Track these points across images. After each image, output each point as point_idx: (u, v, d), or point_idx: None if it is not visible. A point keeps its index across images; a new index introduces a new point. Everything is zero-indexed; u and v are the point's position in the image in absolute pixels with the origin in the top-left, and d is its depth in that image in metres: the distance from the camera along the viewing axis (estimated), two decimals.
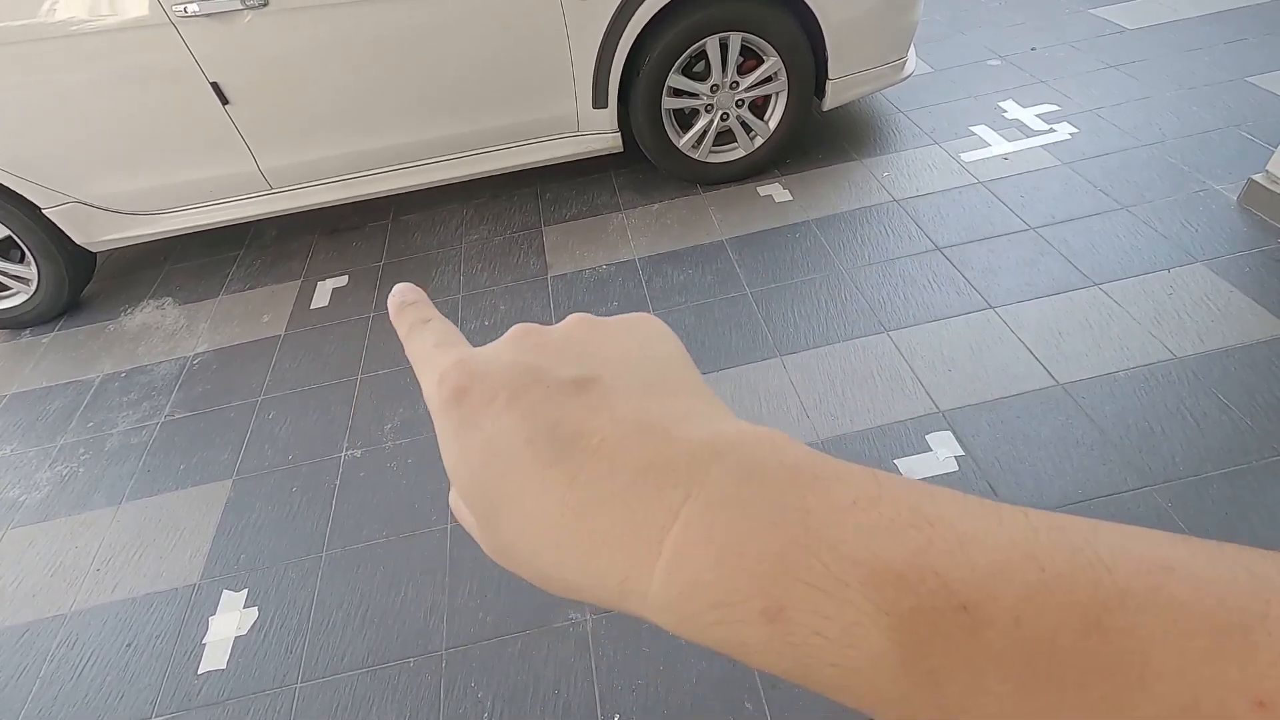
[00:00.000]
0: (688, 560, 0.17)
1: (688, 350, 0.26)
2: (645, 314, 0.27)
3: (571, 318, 0.26)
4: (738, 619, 0.17)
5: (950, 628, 0.15)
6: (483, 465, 0.21)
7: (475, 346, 0.25)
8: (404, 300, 0.29)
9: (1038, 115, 2.70)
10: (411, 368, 0.26)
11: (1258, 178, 2.09)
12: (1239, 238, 2.04)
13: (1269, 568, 0.14)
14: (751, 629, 0.17)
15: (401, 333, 0.27)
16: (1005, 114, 2.74)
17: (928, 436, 1.68)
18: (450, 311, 2.33)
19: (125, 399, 2.23)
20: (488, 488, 0.21)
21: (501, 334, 0.26)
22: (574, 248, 2.50)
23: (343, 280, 2.58)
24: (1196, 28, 3.07)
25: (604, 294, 2.27)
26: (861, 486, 0.17)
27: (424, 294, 0.29)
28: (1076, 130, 2.58)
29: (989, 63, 3.10)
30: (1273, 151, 2.10)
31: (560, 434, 0.20)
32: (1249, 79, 2.68)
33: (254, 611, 1.61)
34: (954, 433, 1.68)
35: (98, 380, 2.33)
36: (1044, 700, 0.14)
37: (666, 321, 0.28)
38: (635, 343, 0.25)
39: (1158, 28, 3.12)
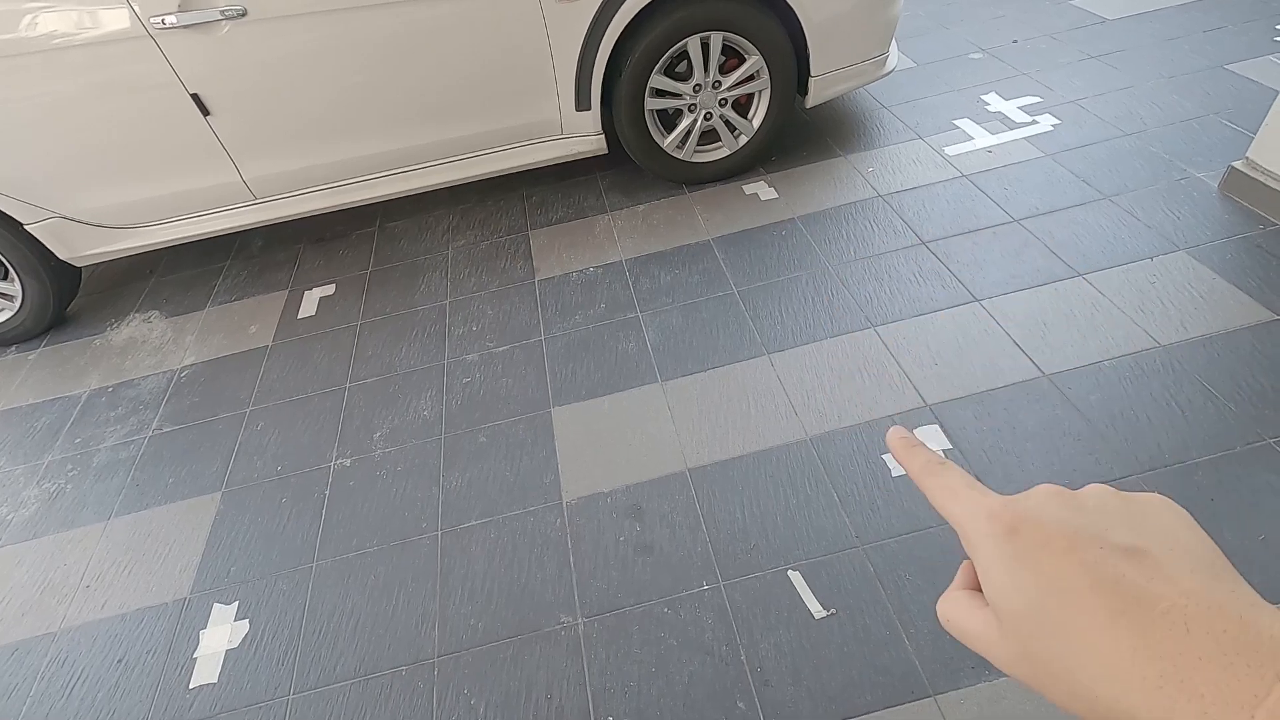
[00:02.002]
0: None
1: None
2: (1165, 498, 0.28)
3: (1094, 486, 0.29)
4: None
5: None
6: (1042, 598, 0.25)
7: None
8: (908, 440, 0.36)
9: (1020, 107, 2.71)
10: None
11: (1238, 165, 2.11)
12: (1221, 225, 2.05)
13: None
14: None
15: (914, 467, 0.34)
16: (988, 107, 2.75)
17: (916, 430, 1.69)
18: (438, 317, 2.33)
19: (113, 414, 2.22)
20: (1046, 618, 0.25)
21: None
22: (561, 251, 2.50)
23: (330, 289, 2.57)
24: (1175, 17, 3.09)
25: (592, 296, 2.27)
26: None
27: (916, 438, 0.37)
28: (1059, 121, 2.59)
29: (971, 56, 3.11)
30: (1252, 138, 2.11)
31: (1125, 590, 0.23)
32: (1228, 66, 2.70)
33: (245, 624, 1.60)
34: (941, 426, 1.69)
35: (85, 396, 2.31)
36: None
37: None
38: (1171, 522, 0.27)
39: (1137, 18, 3.14)
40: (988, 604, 0.28)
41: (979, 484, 0.31)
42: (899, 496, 1.57)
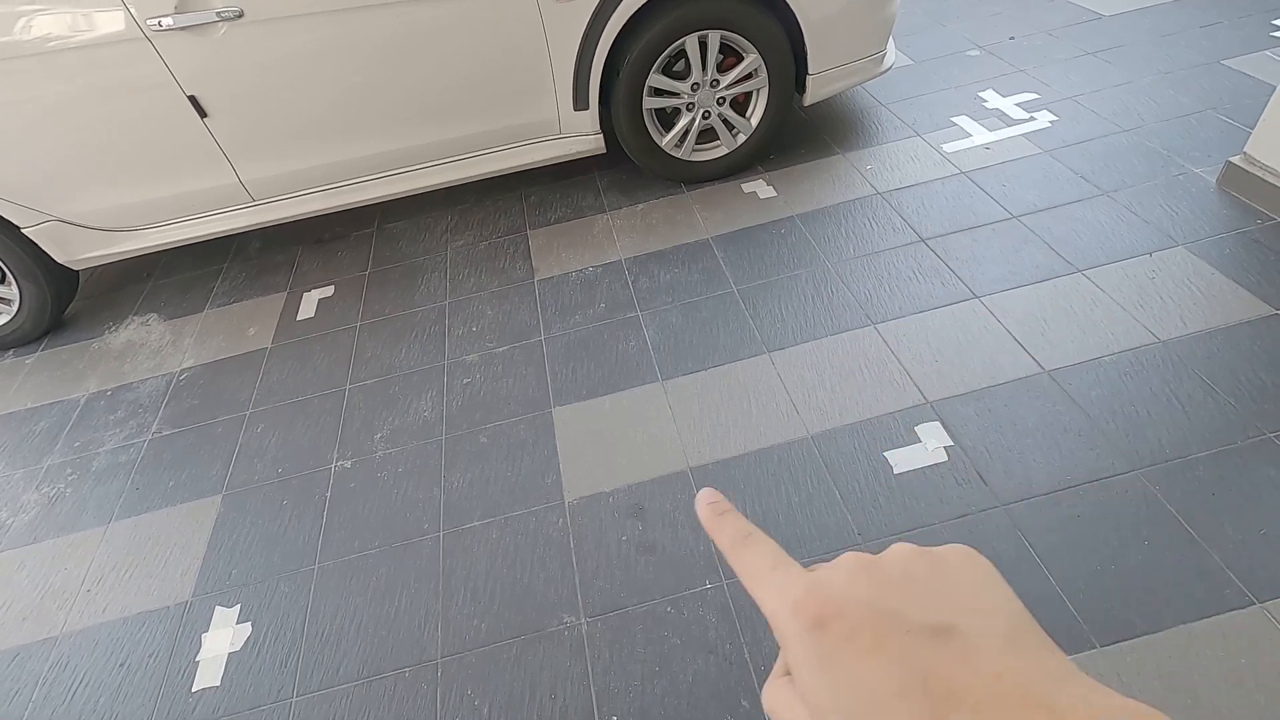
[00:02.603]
0: None
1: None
2: (970, 551, 0.27)
3: (898, 549, 0.28)
4: None
5: None
6: (853, 704, 0.23)
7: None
8: (716, 508, 0.32)
9: (1018, 104, 2.71)
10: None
11: (1235, 160, 2.11)
12: (1219, 220, 2.06)
13: None
14: None
15: (723, 543, 0.30)
16: (985, 104, 2.76)
17: (916, 428, 1.69)
18: (437, 318, 2.32)
19: (112, 417, 2.21)
20: None
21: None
22: (560, 250, 2.50)
23: (329, 290, 2.56)
24: (1172, 13, 3.09)
25: (591, 296, 2.27)
26: None
27: (727, 501, 0.32)
28: (1056, 118, 2.60)
29: (968, 53, 3.11)
30: (1249, 133, 2.12)
31: (933, 688, 0.22)
32: (1224, 62, 2.71)
33: (247, 627, 1.60)
34: (942, 423, 1.69)
35: (83, 399, 2.31)
36: None
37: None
38: (977, 586, 0.26)
39: (1134, 14, 3.14)
40: None
41: (785, 560, 0.29)
42: (901, 494, 1.57)
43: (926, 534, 1.49)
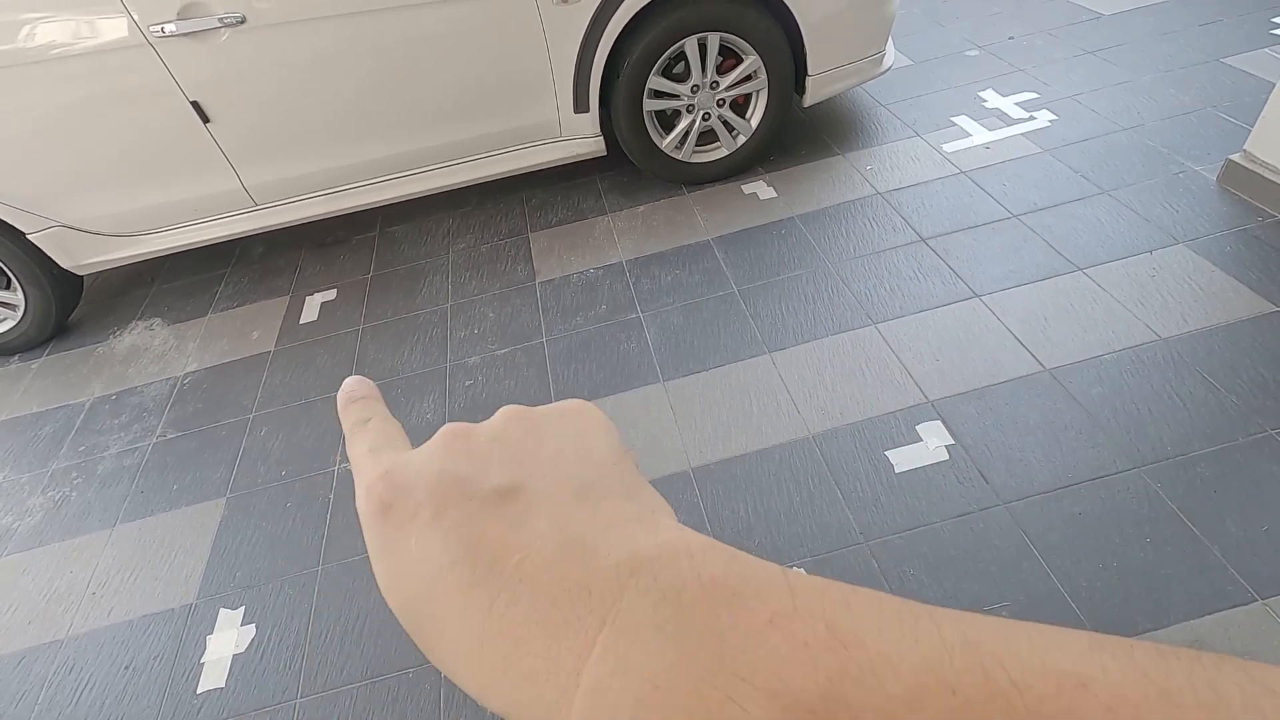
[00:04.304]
0: (605, 694, 0.16)
1: (617, 427, 0.26)
2: (580, 402, 0.26)
3: (503, 412, 0.25)
4: None
5: None
6: (409, 586, 0.21)
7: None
8: (351, 395, 0.29)
9: (1017, 103, 2.72)
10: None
11: (1235, 157, 2.11)
12: (1219, 217, 2.06)
13: (1195, 678, 0.14)
14: None
15: (345, 431, 0.28)
16: (985, 103, 2.76)
17: (918, 427, 1.69)
18: (439, 320, 2.33)
19: (116, 421, 2.22)
20: (415, 610, 0.21)
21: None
22: (561, 252, 2.51)
23: (331, 294, 2.57)
24: (1171, 11, 3.10)
25: (592, 298, 2.28)
26: (778, 600, 0.17)
27: (373, 387, 0.30)
28: (1056, 117, 2.60)
29: (967, 53, 3.11)
30: (1249, 131, 2.12)
31: (481, 555, 0.20)
32: (1224, 60, 2.71)
33: (251, 629, 1.60)
34: (943, 422, 1.69)
35: (88, 403, 2.32)
36: None
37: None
38: (569, 438, 0.24)
39: (1133, 13, 3.15)
40: None
41: (385, 445, 0.26)
42: (902, 492, 1.57)
43: (929, 533, 1.49)
